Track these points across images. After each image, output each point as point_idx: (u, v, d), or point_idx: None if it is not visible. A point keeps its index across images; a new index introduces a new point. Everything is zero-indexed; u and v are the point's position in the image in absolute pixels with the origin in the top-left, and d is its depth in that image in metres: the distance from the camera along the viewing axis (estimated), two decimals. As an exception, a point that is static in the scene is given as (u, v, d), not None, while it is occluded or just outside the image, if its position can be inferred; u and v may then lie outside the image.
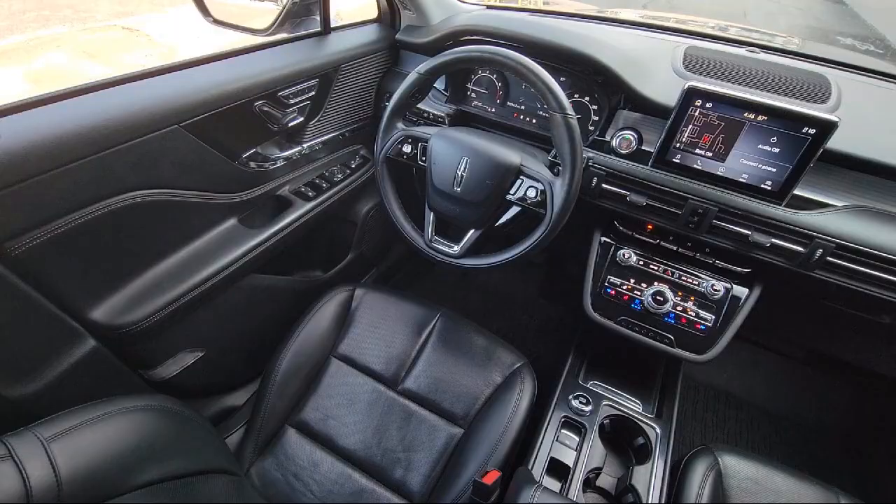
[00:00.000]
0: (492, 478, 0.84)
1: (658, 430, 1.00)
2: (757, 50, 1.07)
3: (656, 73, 0.97)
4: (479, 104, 1.19)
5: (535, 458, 0.92)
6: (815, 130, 0.78)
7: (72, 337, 0.82)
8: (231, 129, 0.96)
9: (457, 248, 0.99)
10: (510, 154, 0.91)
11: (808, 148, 0.79)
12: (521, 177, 0.91)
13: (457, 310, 1.17)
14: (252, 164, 1.05)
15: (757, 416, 1.61)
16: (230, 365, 1.20)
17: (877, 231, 0.85)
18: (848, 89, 0.93)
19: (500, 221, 1.01)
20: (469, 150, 0.92)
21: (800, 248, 0.89)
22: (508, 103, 1.16)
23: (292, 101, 1.04)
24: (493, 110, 1.18)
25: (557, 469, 0.92)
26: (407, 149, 0.99)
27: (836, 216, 0.87)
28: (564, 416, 1.00)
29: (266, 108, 0.99)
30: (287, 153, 1.13)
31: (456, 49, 0.89)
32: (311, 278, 1.40)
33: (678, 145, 0.90)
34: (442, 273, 1.99)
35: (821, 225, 0.87)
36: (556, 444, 0.95)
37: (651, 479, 0.92)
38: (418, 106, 1.13)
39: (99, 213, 0.77)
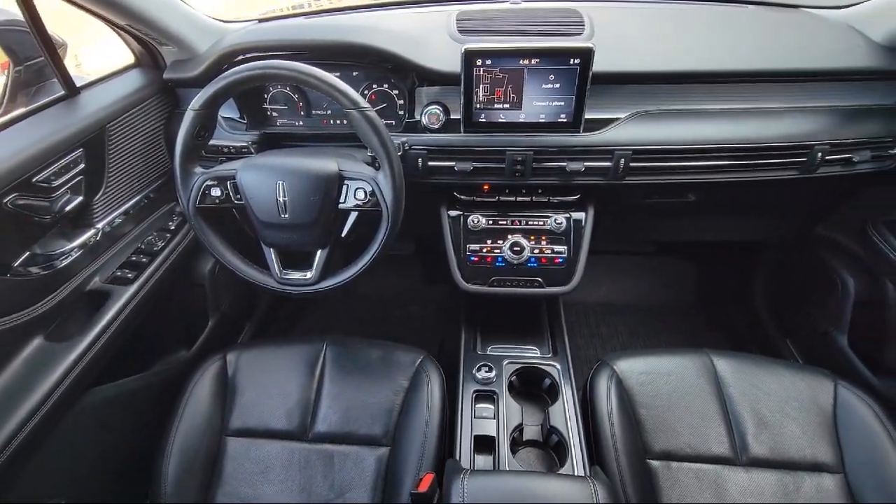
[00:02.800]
0: (426, 483, 0.82)
1: (558, 366, 1.06)
2: (519, 1, 1.15)
3: (436, 44, 0.99)
4: (284, 121, 1.12)
5: (460, 443, 0.92)
6: (578, 59, 0.86)
7: None
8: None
9: (311, 275, 0.94)
10: (326, 163, 0.87)
11: (580, 76, 0.88)
12: (345, 182, 0.88)
13: (352, 329, 1.12)
14: (34, 269, 0.87)
15: (639, 314, 1.81)
16: (105, 499, 1.01)
17: (655, 129, 0.98)
18: (599, 17, 1.05)
19: (345, 231, 0.97)
20: (281, 172, 0.86)
21: (607, 163, 0.99)
22: (314, 112, 1.11)
23: (57, 183, 0.88)
24: (301, 124, 1.12)
25: (484, 444, 0.93)
26: (216, 192, 0.89)
27: (623, 127, 0.98)
28: (475, 391, 1.01)
29: (22, 202, 0.82)
30: (80, 241, 0.96)
31: (225, 73, 0.82)
32: (175, 362, 1.23)
33: (478, 106, 0.94)
34: (323, 300, 1.90)
35: (614, 138, 0.97)
36: (475, 420, 0.96)
37: (565, 411, 0.97)
38: (215, 143, 1.03)
39: None
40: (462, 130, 0.98)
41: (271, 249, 0.94)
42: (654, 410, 0.96)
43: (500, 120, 0.96)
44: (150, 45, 1.07)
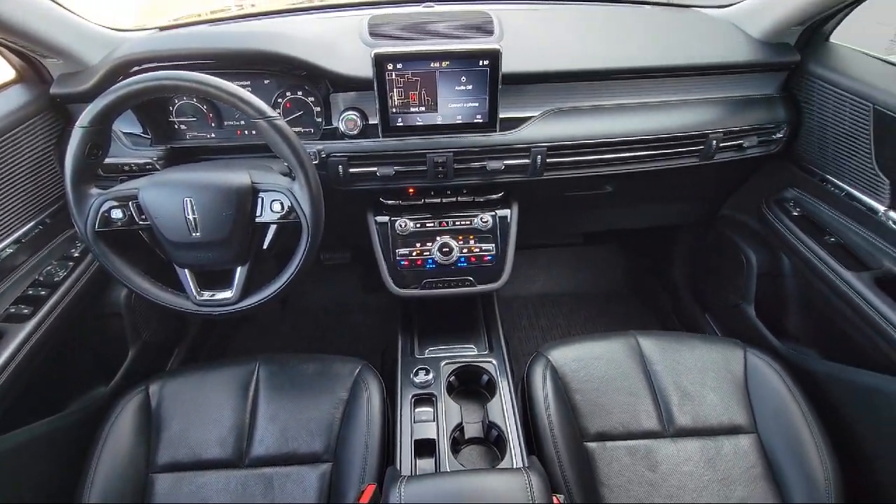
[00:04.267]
0: (367, 495, 0.81)
1: (495, 362, 1.08)
2: (432, 4, 1.16)
3: (348, 50, 0.98)
4: (195, 134, 1.07)
5: (400, 450, 0.91)
6: (487, 61, 0.88)
7: None
8: None
9: (231, 294, 0.89)
10: (237, 176, 0.84)
11: (490, 77, 0.90)
12: (260, 194, 0.85)
13: (291, 344, 1.08)
14: None
15: (575, 303, 1.89)
16: None
17: (567, 125, 1.02)
18: (509, 19, 1.07)
19: (266, 245, 0.94)
20: (188, 188, 0.81)
21: (525, 161, 1.02)
22: (226, 123, 1.06)
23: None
24: (213, 136, 1.07)
25: (425, 447, 0.92)
26: (117, 214, 0.83)
27: (537, 125, 1.02)
28: (413, 395, 1.01)
29: None
30: (-40, 277, 0.86)
31: (115, 86, 0.76)
32: (92, 400, 1.13)
33: (394, 110, 0.94)
34: (260, 316, 1.83)
35: (530, 136, 1.01)
36: (415, 425, 0.96)
37: (503, 405, 0.99)
38: (114, 160, 0.96)
39: None
40: (380, 135, 0.97)
41: (185, 270, 0.89)
42: (587, 395, 1.00)
43: (417, 123, 0.96)
44: (31, 58, 0.98)
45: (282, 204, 0.85)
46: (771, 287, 1.27)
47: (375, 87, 0.90)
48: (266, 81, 1.02)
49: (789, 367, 1.02)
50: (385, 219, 1.10)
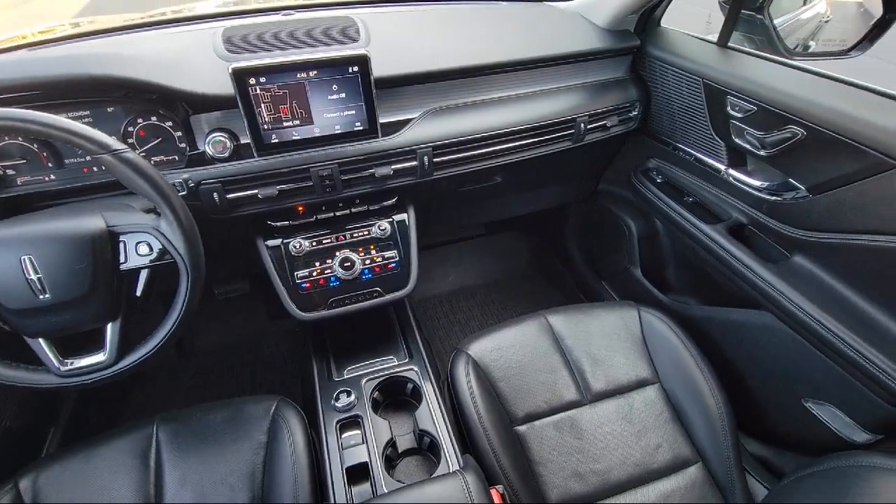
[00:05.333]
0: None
1: (416, 368, 1.07)
2: (291, 12, 1.11)
3: (202, 66, 0.90)
4: (28, 179, 0.90)
5: (332, 482, 0.87)
6: (357, 67, 0.86)
7: None
8: None
9: (105, 355, 0.77)
10: (88, 221, 0.73)
11: (362, 83, 0.88)
12: (120, 238, 0.74)
13: (198, 393, 0.95)
14: None
15: (488, 292, 1.94)
16: None
17: (447, 123, 1.04)
18: (374, 23, 1.06)
19: (139, 292, 0.83)
20: (24, 244, 0.69)
21: (413, 163, 1.02)
22: (67, 161, 0.91)
23: None
24: (53, 178, 0.91)
25: (359, 472, 0.88)
26: (-69, 289, 0.68)
27: (418, 126, 1.02)
28: (338, 421, 0.96)
29: None
30: None
31: None
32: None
33: (266, 127, 0.88)
34: (147, 372, 1.62)
35: (413, 138, 1.00)
36: (344, 452, 0.91)
37: (430, 410, 0.98)
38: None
39: None
40: (255, 155, 0.90)
41: (39, 339, 0.75)
42: (510, 381, 1.03)
43: (294, 138, 0.91)
44: None
45: (150, 245, 0.75)
46: (651, 248, 1.41)
47: (240, 105, 0.84)
48: (110, 109, 0.90)
49: (676, 317, 1.13)
50: (277, 242, 1.03)
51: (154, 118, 0.91)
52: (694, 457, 0.96)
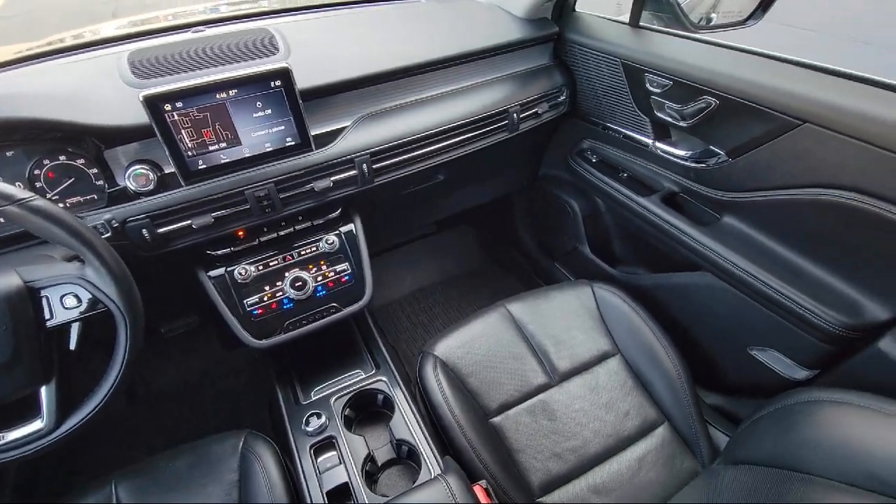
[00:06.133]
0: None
1: (384, 378, 1.06)
2: (202, 28, 1.05)
3: (108, 96, 0.83)
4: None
5: None
6: (279, 81, 0.83)
7: None
8: None
9: (44, 421, 0.71)
10: (0, 280, 0.66)
11: (288, 97, 0.85)
12: (41, 293, 0.68)
13: (156, 443, 0.89)
14: None
15: (447, 289, 1.94)
16: None
17: (381, 128, 1.03)
18: (293, 33, 1.03)
19: (74, 346, 0.76)
20: None
21: (352, 172, 1.00)
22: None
23: None
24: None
25: (340, 494, 0.86)
26: None
27: (353, 134, 1.00)
28: (311, 446, 0.93)
29: None
30: None
31: None
32: None
33: (191, 153, 0.83)
34: (97, 428, 1.50)
35: (349, 147, 0.98)
36: (323, 476, 0.89)
37: (404, 418, 0.98)
38: None
39: None
40: (183, 184, 0.85)
41: None
42: (479, 375, 1.04)
43: (222, 161, 0.86)
44: None
45: (77, 296, 0.70)
46: (595, 226, 1.46)
47: (158, 134, 0.78)
48: (9, 154, 0.82)
49: (627, 289, 1.18)
50: (220, 271, 0.98)
51: (62, 157, 0.84)
52: (660, 418, 1.01)
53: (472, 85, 1.16)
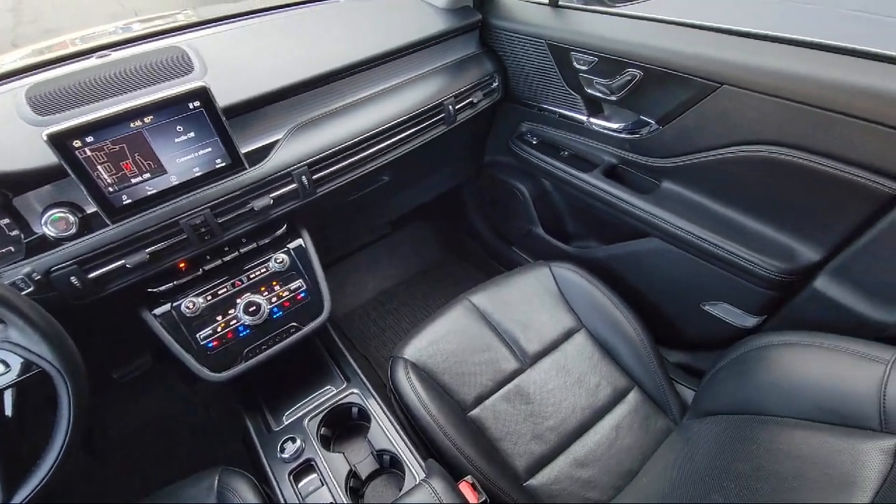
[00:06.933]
0: None
1: (356, 390, 1.04)
2: (107, 52, 0.98)
3: (9, 138, 0.76)
4: None
5: None
6: (198, 102, 0.78)
7: None
8: None
9: None
10: None
11: (210, 117, 0.80)
12: (-40, 364, 0.62)
13: (125, 495, 0.82)
14: None
15: (410, 287, 1.93)
16: None
17: (315, 136, 1.00)
18: (207, 48, 0.97)
19: (10, 413, 0.70)
20: None
21: (292, 186, 0.96)
22: None
23: None
24: None
25: None
26: None
27: (287, 146, 0.96)
28: (290, 472, 0.91)
29: None
30: None
31: None
32: None
33: (112, 189, 0.77)
34: (62, 488, 1.40)
35: (284, 160, 0.95)
36: (306, 501, 0.86)
37: (381, 427, 0.96)
38: None
39: None
40: (109, 223, 0.80)
41: None
42: (452, 371, 1.03)
43: (149, 193, 0.81)
44: None
45: (4, 362, 0.64)
46: (546, 206, 1.49)
47: (71, 173, 0.72)
48: None
49: (583, 264, 1.21)
50: (165, 308, 0.93)
51: None
52: (629, 384, 1.04)
53: (404, 82, 1.14)
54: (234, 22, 1.13)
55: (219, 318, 0.95)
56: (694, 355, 1.21)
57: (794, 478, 0.64)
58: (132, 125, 0.75)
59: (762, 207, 0.93)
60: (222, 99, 0.83)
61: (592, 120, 1.15)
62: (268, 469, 0.92)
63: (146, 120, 0.75)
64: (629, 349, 1.06)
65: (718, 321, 1.07)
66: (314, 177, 0.98)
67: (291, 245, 1.03)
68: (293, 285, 1.01)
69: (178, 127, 0.79)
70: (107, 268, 0.82)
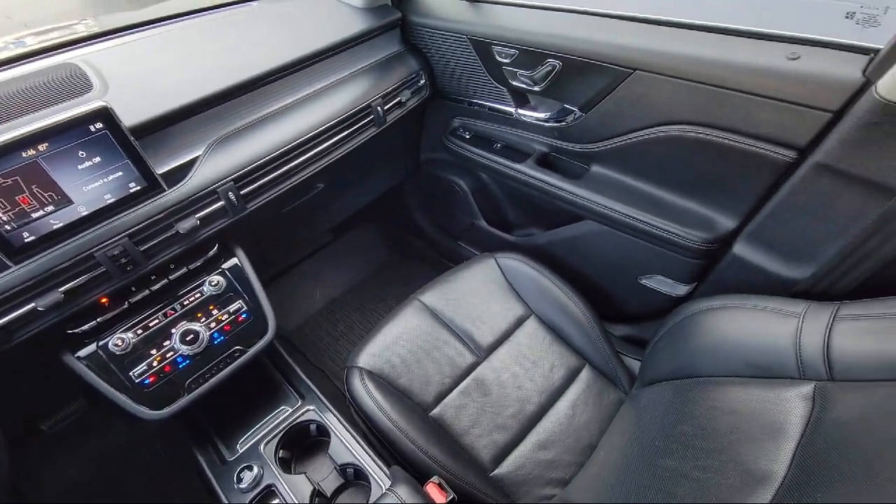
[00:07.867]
0: None
1: (311, 406, 1.01)
2: (-12, 75, 0.88)
3: None
4: None
5: None
6: (100, 123, 0.72)
7: None
8: None
9: None
10: None
11: (116, 138, 0.74)
12: None
13: None
14: None
15: (359, 293, 1.89)
16: None
17: (238, 149, 0.95)
18: (107, 64, 0.90)
19: None
20: None
21: (219, 204, 0.91)
22: None
23: None
24: None
25: None
26: None
27: (208, 162, 0.91)
28: (251, 501, 0.87)
29: None
30: None
31: None
32: None
33: (9, 227, 0.70)
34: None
35: (206, 178, 0.90)
36: None
37: (341, 440, 0.94)
38: None
39: None
40: (11, 264, 0.72)
41: None
42: (409, 372, 1.03)
43: (55, 227, 0.74)
44: None
45: None
46: (485, 199, 1.51)
47: (-45, 214, 0.65)
48: None
49: (527, 252, 1.24)
50: (91, 349, 0.86)
51: None
52: (580, 362, 1.09)
53: (328, 85, 1.11)
54: (139, 31, 1.06)
55: (153, 351, 0.89)
56: (638, 327, 1.28)
57: (732, 432, 0.69)
58: (25, 154, 0.67)
59: (683, 183, 1.00)
60: (129, 117, 0.77)
61: (520, 111, 1.18)
62: (224, 501, 0.87)
63: (41, 148, 0.69)
64: (577, 329, 1.10)
65: (655, 292, 1.13)
66: (242, 192, 0.94)
67: (226, 265, 0.98)
68: (232, 307, 0.96)
69: (81, 152, 0.72)
70: (14, 314, 0.74)
